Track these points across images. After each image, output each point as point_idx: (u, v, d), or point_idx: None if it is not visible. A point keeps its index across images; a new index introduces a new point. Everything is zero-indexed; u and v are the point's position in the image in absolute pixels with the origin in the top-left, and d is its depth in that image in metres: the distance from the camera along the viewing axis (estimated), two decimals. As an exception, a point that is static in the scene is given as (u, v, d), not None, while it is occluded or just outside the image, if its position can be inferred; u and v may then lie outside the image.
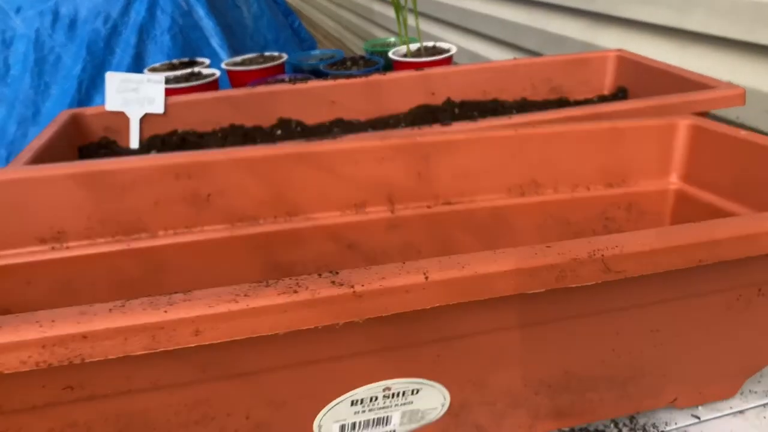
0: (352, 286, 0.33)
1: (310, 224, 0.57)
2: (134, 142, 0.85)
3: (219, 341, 0.32)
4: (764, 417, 0.50)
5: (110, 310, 0.31)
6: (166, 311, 0.31)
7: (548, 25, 1.34)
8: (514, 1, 1.47)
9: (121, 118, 0.85)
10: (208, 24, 1.58)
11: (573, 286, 0.36)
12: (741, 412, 0.51)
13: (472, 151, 0.60)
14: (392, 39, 1.40)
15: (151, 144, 0.84)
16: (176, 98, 0.87)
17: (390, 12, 2.26)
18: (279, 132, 0.87)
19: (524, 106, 0.91)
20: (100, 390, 0.33)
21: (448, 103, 0.92)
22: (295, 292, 0.32)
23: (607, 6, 1.13)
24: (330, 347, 0.37)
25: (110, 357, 0.30)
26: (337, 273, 0.34)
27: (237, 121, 0.88)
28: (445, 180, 0.60)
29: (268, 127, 0.88)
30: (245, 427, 0.39)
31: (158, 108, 0.86)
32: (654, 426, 0.50)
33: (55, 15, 1.40)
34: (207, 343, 0.31)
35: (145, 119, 0.86)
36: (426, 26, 2.00)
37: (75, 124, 0.83)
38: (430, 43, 1.20)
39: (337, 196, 0.57)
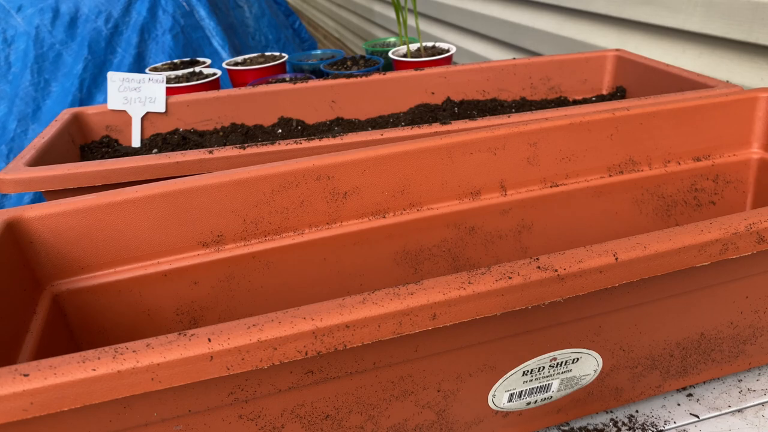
0: (556, 270, 0.37)
1: (433, 213, 0.61)
2: (136, 141, 0.86)
3: (450, 323, 0.36)
4: (762, 415, 0.51)
5: (363, 301, 0.34)
6: (409, 299, 0.35)
7: (547, 25, 1.34)
8: (514, 1, 1.47)
9: (123, 116, 0.86)
10: (209, 24, 1.58)
11: (733, 257, 0.41)
12: (739, 410, 0.51)
13: (575, 134, 0.63)
14: (392, 39, 1.41)
15: (153, 142, 0.85)
16: (177, 97, 0.87)
17: (390, 12, 2.26)
18: (280, 131, 0.87)
19: (523, 105, 0.92)
20: (333, 372, 0.38)
21: (448, 102, 0.92)
22: (510, 277, 0.36)
23: (606, 6, 1.14)
24: (514, 325, 0.41)
25: (365, 342, 0.34)
26: (537, 259, 0.38)
27: (238, 120, 0.88)
28: (551, 164, 0.64)
29: (268, 126, 0.89)
30: (435, 399, 0.43)
31: (159, 107, 0.86)
32: (653, 425, 0.50)
33: (56, 12, 1.40)
34: (440, 326, 0.35)
35: (147, 118, 0.86)
36: (426, 26, 2.00)
37: (77, 122, 0.83)
38: (430, 43, 1.20)
39: (455, 186, 0.62)
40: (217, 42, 1.58)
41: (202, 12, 1.58)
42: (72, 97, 1.39)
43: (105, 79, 1.42)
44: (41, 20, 1.39)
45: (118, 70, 1.45)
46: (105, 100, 1.40)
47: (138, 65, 1.47)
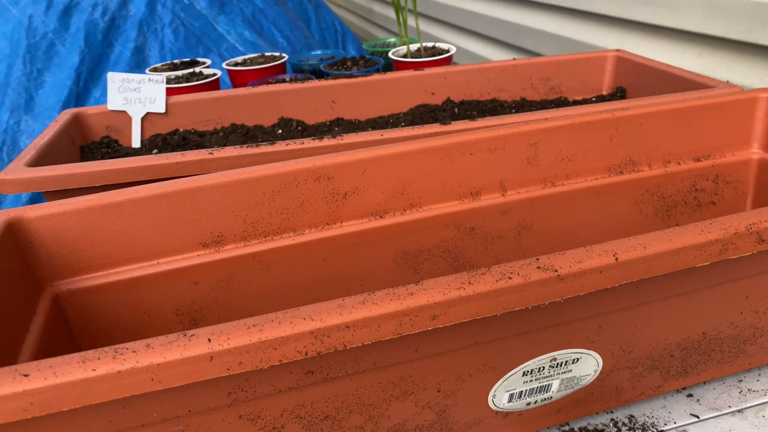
0: (556, 270, 0.37)
1: (433, 213, 0.61)
2: (136, 142, 0.86)
3: (450, 324, 0.35)
4: (763, 416, 0.51)
5: (363, 301, 0.34)
6: (409, 300, 0.35)
7: (547, 25, 1.34)
8: (514, 1, 1.47)
9: (123, 117, 0.86)
10: (210, 15, 1.56)
11: (733, 257, 0.41)
12: (740, 411, 0.51)
13: (575, 135, 0.63)
14: (392, 39, 1.41)
15: (153, 143, 0.85)
16: (177, 98, 0.87)
17: (390, 12, 2.26)
18: (280, 131, 0.87)
19: (523, 105, 0.92)
20: (333, 373, 0.37)
21: (448, 102, 0.92)
22: (510, 278, 0.36)
23: (606, 6, 1.14)
24: (514, 325, 0.40)
25: (365, 343, 0.34)
26: (537, 259, 0.38)
27: (238, 120, 0.88)
28: (551, 164, 0.64)
29: (268, 127, 0.89)
30: (435, 399, 0.43)
31: (159, 107, 0.86)
32: (653, 425, 0.50)
33: (49, 1, 1.39)
34: (440, 326, 0.35)
35: (147, 118, 0.86)
36: (426, 27, 2.00)
37: (77, 123, 0.83)
38: (430, 44, 1.20)
39: (455, 186, 0.62)
40: (221, 33, 1.55)
41: (202, 2, 1.56)
42: (68, 90, 1.36)
43: (102, 72, 1.41)
44: (34, 9, 1.37)
45: (116, 63, 1.43)
46: (102, 95, 1.39)
47: (136, 59, 1.45)
